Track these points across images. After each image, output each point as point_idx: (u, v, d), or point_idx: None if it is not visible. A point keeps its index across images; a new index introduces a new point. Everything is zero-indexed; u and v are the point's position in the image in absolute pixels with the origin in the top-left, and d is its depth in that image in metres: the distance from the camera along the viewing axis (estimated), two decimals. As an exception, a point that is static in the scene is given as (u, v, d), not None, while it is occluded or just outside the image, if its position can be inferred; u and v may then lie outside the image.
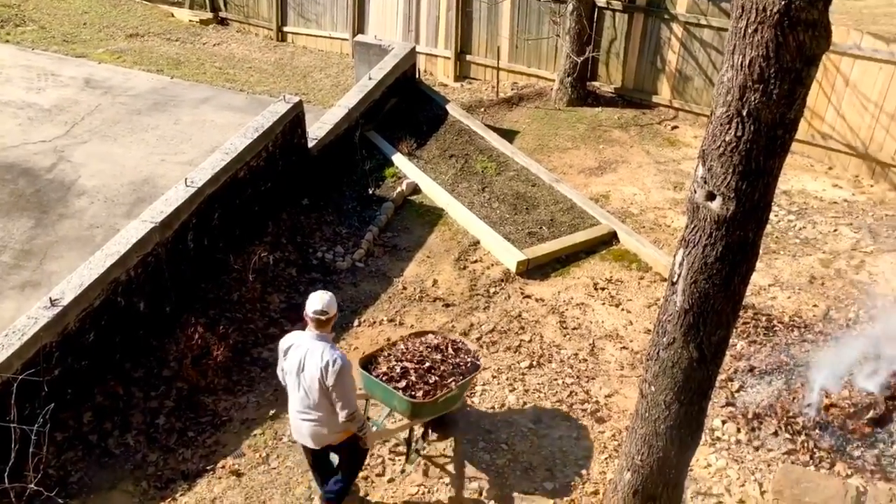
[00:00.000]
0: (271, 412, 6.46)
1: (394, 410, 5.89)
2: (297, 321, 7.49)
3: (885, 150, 10.20)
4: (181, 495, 5.72)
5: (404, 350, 6.03)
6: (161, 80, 12.15)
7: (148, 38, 14.79)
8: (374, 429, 5.79)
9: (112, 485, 5.75)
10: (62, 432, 5.95)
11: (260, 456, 6.08)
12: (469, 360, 6.09)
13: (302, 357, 4.95)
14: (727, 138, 3.67)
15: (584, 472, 6.06)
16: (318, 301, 4.93)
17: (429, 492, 5.85)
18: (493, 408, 6.60)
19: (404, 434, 5.99)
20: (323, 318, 4.92)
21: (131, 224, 6.88)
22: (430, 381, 5.76)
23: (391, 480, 5.93)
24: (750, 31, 3.41)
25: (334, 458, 5.51)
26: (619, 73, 12.51)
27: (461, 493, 5.87)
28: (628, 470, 4.97)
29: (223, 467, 5.96)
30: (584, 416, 6.59)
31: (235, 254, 7.83)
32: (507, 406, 6.64)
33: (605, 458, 6.18)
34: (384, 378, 5.73)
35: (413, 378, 5.76)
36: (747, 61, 3.47)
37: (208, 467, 5.96)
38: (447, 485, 5.91)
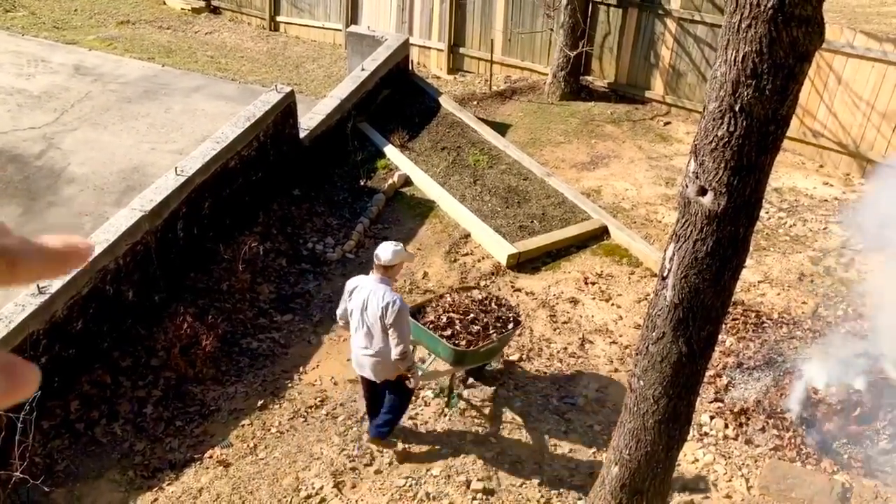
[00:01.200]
0: (259, 402, 6.44)
1: (438, 357, 6.32)
2: (287, 312, 7.49)
3: (875, 148, 10.24)
4: (168, 484, 5.70)
5: (451, 302, 6.46)
6: (152, 68, 12.07)
7: (139, 26, 14.68)
8: (420, 373, 6.09)
9: (98, 473, 5.73)
10: (49, 420, 5.93)
11: (248, 446, 6.06)
12: (511, 315, 6.48)
13: (366, 298, 5.46)
14: (719, 133, 3.67)
15: (572, 465, 6.07)
16: (384, 251, 5.48)
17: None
18: (481, 401, 6.61)
19: (446, 380, 6.40)
20: (388, 265, 5.46)
21: (121, 212, 6.84)
22: (473, 332, 6.18)
23: (378, 472, 5.93)
24: (744, 26, 3.41)
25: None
26: (612, 67, 12.50)
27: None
28: (616, 464, 4.98)
29: (210, 457, 5.94)
30: (572, 410, 6.60)
31: (225, 244, 7.80)
32: (496, 399, 6.64)
33: (594, 452, 6.19)
34: (430, 326, 6.18)
35: (458, 328, 6.20)
36: (740, 56, 3.46)
37: (196, 457, 5.94)
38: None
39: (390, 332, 5.38)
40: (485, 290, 6.79)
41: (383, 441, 5.95)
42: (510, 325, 6.40)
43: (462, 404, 6.51)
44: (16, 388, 0.55)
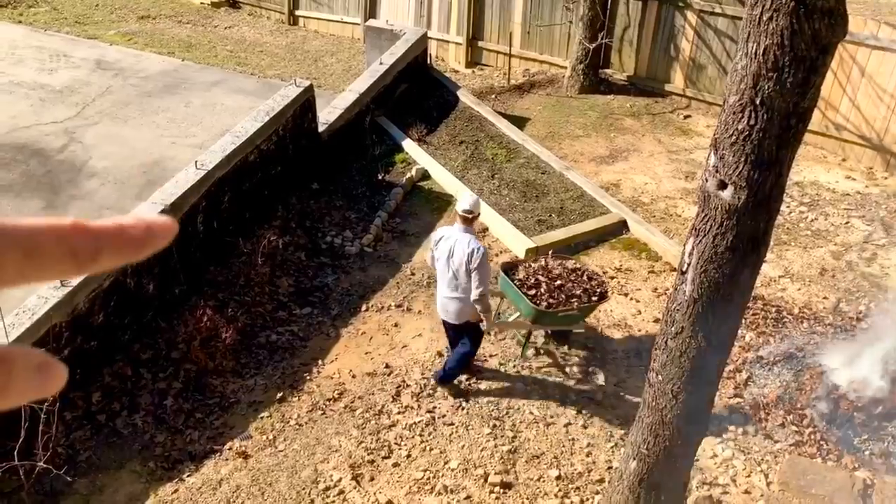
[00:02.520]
0: (279, 395, 6.49)
1: (520, 312, 6.79)
2: (306, 305, 7.52)
3: (899, 141, 10.11)
4: (188, 476, 5.76)
5: (543, 266, 6.88)
6: (172, 63, 12.15)
7: (159, 21, 14.78)
8: (501, 320, 6.79)
9: (120, 464, 5.79)
10: (71, 411, 6.00)
11: (267, 438, 6.10)
12: (598, 289, 6.79)
13: (452, 246, 6.03)
14: (740, 127, 3.64)
15: (590, 460, 6.06)
16: (466, 202, 6.11)
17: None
18: (499, 395, 6.61)
19: (523, 332, 6.92)
20: (469, 216, 6.05)
21: (141, 206, 6.90)
22: (556, 296, 6.60)
23: (396, 465, 5.95)
24: (765, 18, 3.38)
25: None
26: (632, 60, 12.42)
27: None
28: (634, 459, 4.97)
29: (230, 449, 5.99)
30: (590, 404, 6.58)
31: (245, 237, 7.85)
32: (514, 393, 6.64)
33: (612, 447, 6.18)
34: (518, 283, 6.66)
35: (542, 290, 6.63)
36: (761, 49, 3.43)
37: (215, 449, 5.99)
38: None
39: (473, 275, 5.94)
40: (580, 263, 7.25)
41: (447, 384, 6.57)
42: (594, 298, 6.70)
43: (533, 359, 7.00)
44: (49, 386, 0.57)
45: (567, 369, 6.93)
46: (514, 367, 6.92)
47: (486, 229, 8.74)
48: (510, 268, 6.90)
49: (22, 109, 10.18)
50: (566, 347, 7.15)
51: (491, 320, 6.37)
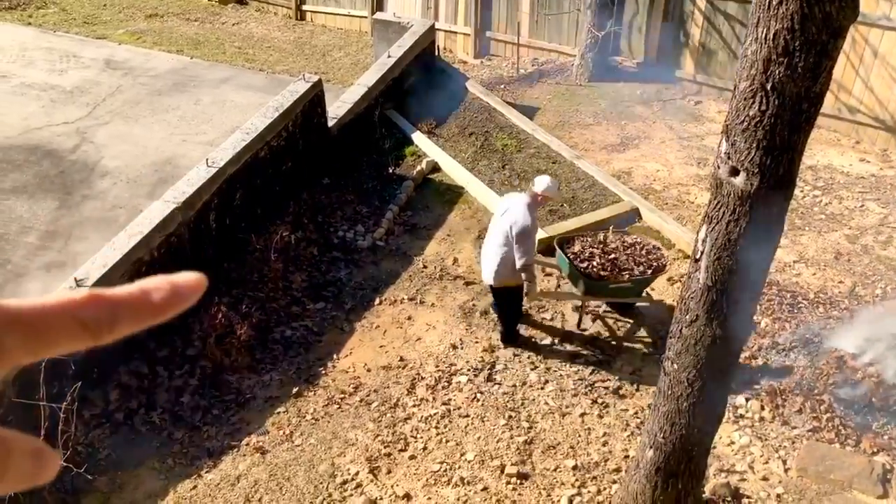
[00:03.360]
0: (294, 390, 6.51)
1: (573, 284, 7.03)
2: (320, 300, 7.54)
3: (913, 123, 10.01)
4: (206, 472, 5.80)
5: (600, 239, 7.16)
6: (181, 61, 12.18)
7: (167, 19, 14.81)
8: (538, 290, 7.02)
9: (139, 462, 5.84)
10: (89, 410, 6.05)
11: (284, 433, 6.14)
12: (655, 263, 6.97)
13: (507, 207, 6.44)
14: (751, 113, 3.61)
15: (606, 449, 6.06)
16: (539, 182, 6.45)
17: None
18: (514, 386, 6.61)
19: (576, 302, 7.22)
20: (537, 193, 6.40)
21: (154, 204, 6.93)
22: (608, 268, 6.85)
23: (413, 457, 5.97)
24: (775, 2, 3.34)
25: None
26: (641, 47, 12.34)
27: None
28: (651, 447, 4.96)
29: (247, 444, 6.03)
30: (606, 394, 6.58)
31: (257, 233, 7.87)
32: (529, 383, 6.64)
33: (628, 436, 6.17)
34: (571, 256, 6.91)
35: (595, 262, 6.90)
36: (772, 34, 3.40)
37: (233, 444, 6.03)
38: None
39: (515, 246, 6.26)
40: (640, 237, 7.42)
41: (513, 344, 6.98)
42: (649, 272, 6.87)
43: (590, 326, 7.27)
44: (42, 475, 0.55)
45: (582, 358, 6.92)
46: (529, 357, 6.91)
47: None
48: (566, 241, 7.19)
49: (34, 111, 10.24)
50: (630, 320, 7.37)
51: (534, 290, 6.65)
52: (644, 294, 7.27)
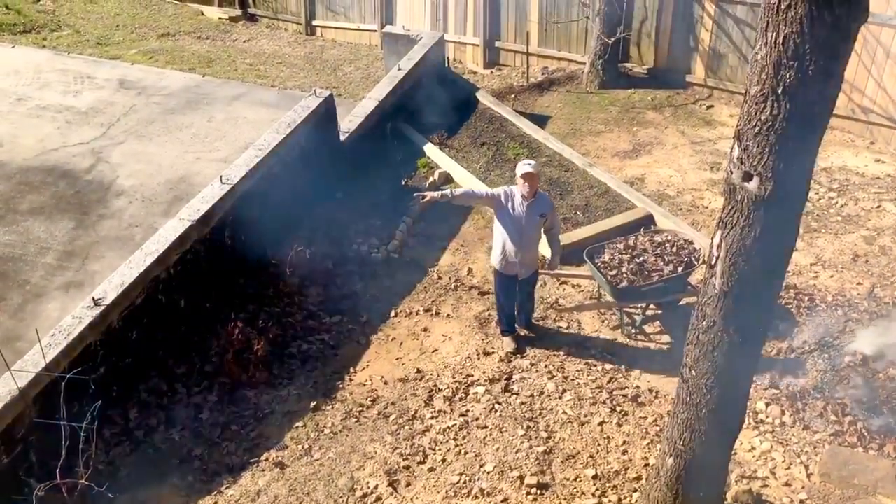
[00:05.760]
0: (312, 404, 6.52)
1: (609, 294, 7.12)
2: (336, 313, 7.56)
3: (928, 121, 9.94)
4: (227, 488, 5.81)
5: (628, 244, 7.30)
6: (193, 79, 12.28)
7: (179, 38, 14.95)
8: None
9: (160, 479, 5.86)
10: (110, 429, 6.08)
11: (302, 448, 6.14)
12: (686, 259, 7.08)
13: (524, 203, 6.61)
14: (763, 117, 3.60)
15: (626, 457, 6.02)
16: (517, 170, 6.61)
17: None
18: (531, 395, 6.59)
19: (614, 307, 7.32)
20: (522, 182, 6.56)
21: (170, 223, 6.98)
22: (636, 273, 6.98)
23: (431, 469, 5.96)
24: (783, 6, 3.33)
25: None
26: (651, 53, 12.34)
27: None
28: (671, 455, 4.93)
29: (267, 460, 6.04)
30: (624, 402, 6.54)
31: (273, 249, 7.91)
32: (547, 393, 6.62)
33: (647, 444, 6.14)
34: (601, 265, 7.09)
35: (623, 269, 7.03)
36: (781, 38, 3.39)
37: (252, 460, 6.04)
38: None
39: (558, 225, 7.00)
40: (671, 233, 7.52)
41: (534, 324, 7.29)
42: (680, 269, 6.96)
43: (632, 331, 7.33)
44: None
45: (599, 366, 6.90)
46: (546, 367, 6.90)
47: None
48: (595, 251, 7.26)
49: (49, 132, 10.35)
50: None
51: (557, 261, 7.08)
52: (690, 289, 7.23)
